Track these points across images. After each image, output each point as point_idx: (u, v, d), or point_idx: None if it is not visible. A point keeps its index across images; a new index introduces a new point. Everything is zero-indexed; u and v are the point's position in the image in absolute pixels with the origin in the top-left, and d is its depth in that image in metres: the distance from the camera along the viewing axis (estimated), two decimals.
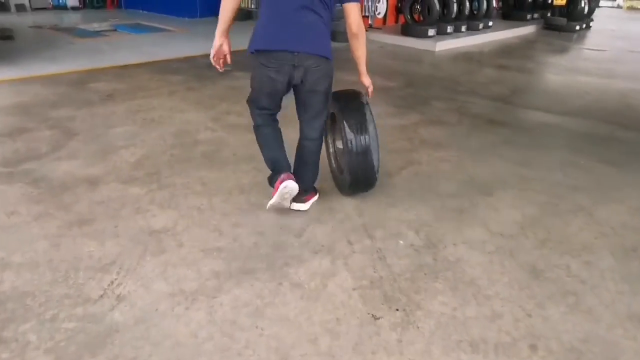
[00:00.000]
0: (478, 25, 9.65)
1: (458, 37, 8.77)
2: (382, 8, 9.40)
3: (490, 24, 10.02)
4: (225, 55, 2.41)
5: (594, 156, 3.75)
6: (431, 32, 8.34)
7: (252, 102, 2.49)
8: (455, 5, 8.63)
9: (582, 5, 11.64)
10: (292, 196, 2.48)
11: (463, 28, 9.21)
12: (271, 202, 2.45)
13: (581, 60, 8.07)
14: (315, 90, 2.36)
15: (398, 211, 2.76)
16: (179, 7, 10.51)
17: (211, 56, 2.43)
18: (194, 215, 2.61)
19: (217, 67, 2.46)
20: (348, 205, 2.80)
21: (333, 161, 3.02)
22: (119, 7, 11.97)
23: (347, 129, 2.54)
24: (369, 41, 8.38)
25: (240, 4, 2.36)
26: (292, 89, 2.40)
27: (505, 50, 8.77)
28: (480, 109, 4.83)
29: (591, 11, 12.11)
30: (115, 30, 9.19)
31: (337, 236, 2.48)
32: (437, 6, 8.23)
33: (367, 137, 2.55)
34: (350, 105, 2.65)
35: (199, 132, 3.83)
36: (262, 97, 2.42)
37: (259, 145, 2.59)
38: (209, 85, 5.18)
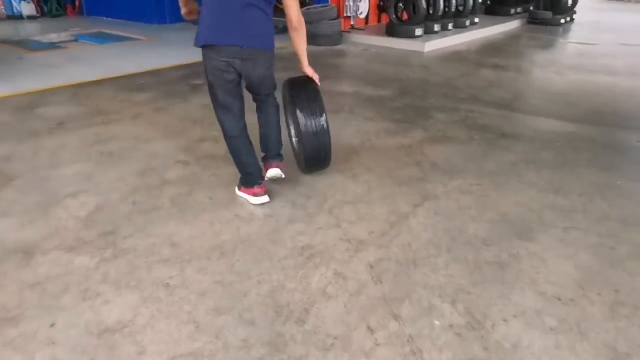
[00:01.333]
0: (464, 23, 9.17)
1: (445, 35, 8.26)
2: (364, 7, 8.83)
3: (477, 20, 9.56)
4: (192, 10, 2.59)
5: (627, 174, 3.24)
6: (418, 31, 7.81)
7: (215, 103, 2.61)
8: (441, 3, 8.12)
9: None
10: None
11: (450, 26, 8.72)
12: (243, 195, 2.77)
13: (575, 56, 7.65)
14: (264, 77, 2.59)
15: (424, 272, 2.17)
16: (146, 12, 9.74)
17: (183, 12, 2.61)
18: (160, 297, 1.98)
19: (192, 18, 2.59)
20: (359, 265, 2.20)
21: (294, 143, 3.18)
22: (80, 14, 11.12)
23: (300, 113, 2.76)
24: (352, 44, 7.85)
25: None
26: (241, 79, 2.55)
27: (496, 48, 8.30)
28: (488, 120, 4.29)
29: (574, 3, 11.78)
30: (75, 40, 8.41)
31: (352, 319, 1.88)
32: (424, 4, 7.70)
33: (319, 119, 2.78)
34: (303, 91, 2.85)
35: (168, 168, 3.18)
36: (220, 91, 2.52)
37: (231, 152, 2.72)
38: (179, 104, 4.51)
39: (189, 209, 2.68)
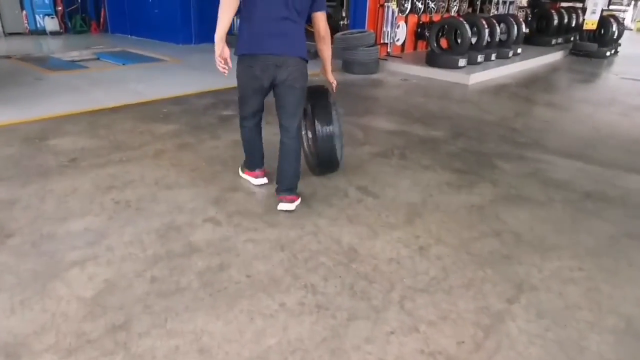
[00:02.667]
0: (508, 53, 8.63)
1: (489, 67, 7.71)
2: (401, 34, 8.36)
3: (519, 51, 9.00)
4: (226, 59, 2.64)
5: None
6: (462, 62, 7.27)
7: (242, 106, 2.86)
8: (486, 32, 7.59)
9: (613, 29, 10.72)
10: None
11: (493, 56, 8.17)
12: (245, 177, 3.17)
13: (637, 94, 7.00)
14: (295, 87, 2.66)
15: None
16: (172, 32, 9.42)
17: (217, 63, 2.65)
18: None
19: (224, 72, 2.66)
20: None
21: (306, 148, 3.41)
22: (105, 31, 10.88)
23: (316, 120, 2.97)
24: (389, 72, 7.33)
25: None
26: (272, 90, 2.72)
27: (544, 82, 7.71)
28: (563, 174, 3.68)
29: (620, 35, 11.17)
30: (97, 59, 8.07)
31: None
32: (469, 33, 7.17)
33: (331, 127, 2.99)
34: (319, 101, 3.04)
35: (195, 228, 2.63)
36: (251, 97, 2.76)
37: (242, 140, 3.04)
38: (207, 141, 3.99)
39: (222, 292, 2.11)
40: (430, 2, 8.86)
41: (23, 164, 3.38)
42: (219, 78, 6.17)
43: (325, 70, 2.98)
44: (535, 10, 12.38)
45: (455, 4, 9.71)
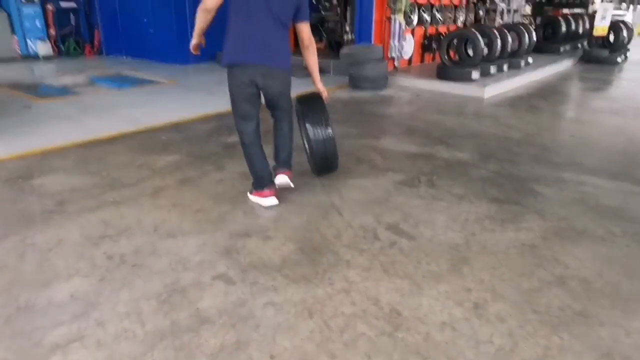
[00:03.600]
0: (520, 63, 8.27)
1: (502, 78, 7.33)
2: (409, 47, 8.00)
3: (530, 60, 8.65)
4: (199, 47, 2.98)
5: None
6: (475, 74, 6.90)
7: (236, 114, 2.94)
8: (499, 42, 7.24)
9: (624, 34, 10.41)
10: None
11: (505, 67, 7.81)
12: (254, 199, 3.06)
13: None
14: (282, 93, 2.92)
15: None
16: (168, 52, 9.07)
17: (191, 47, 2.98)
18: None
19: (197, 53, 3.03)
20: None
21: (307, 149, 3.43)
22: (99, 53, 10.55)
23: (309, 125, 3.13)
24: (399, 88, 6.95)
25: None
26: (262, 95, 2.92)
27: (560, 93, 7.35)
28: (613, 199, 3.26)
29: (629, 41, 10.85)
30: (91, 83, 7.69)
31: None
32: (482, 44, 6.82)
33: (325, 129, 3.13)
34: (311, 106, 3.18)
35: (203, 289, 2.19)
36: (242, 103, 2.87)
37: (246, 158, 3.02)
38: (211, 173, 3.58)
39: None
40: (437, 14, 8.54)
41: (3, 210, 2.97)
42: (219, 101, 5.81)
43: (314, 79, 3.08)
44: (540, 18, 12.09)
45: (461, 14, 9.40)
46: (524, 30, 8.30)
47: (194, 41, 2.93)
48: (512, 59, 8.04)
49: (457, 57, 7.36)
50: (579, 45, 12.25)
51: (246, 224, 2.81)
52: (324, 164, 3.30)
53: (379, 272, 2.34)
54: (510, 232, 2.77)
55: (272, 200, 2.99)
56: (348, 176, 3.50)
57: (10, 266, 2.36)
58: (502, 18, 11.59)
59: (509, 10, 11.89)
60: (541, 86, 7.76)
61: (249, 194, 3.10)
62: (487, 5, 10.88)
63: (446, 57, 7.14)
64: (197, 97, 6.23)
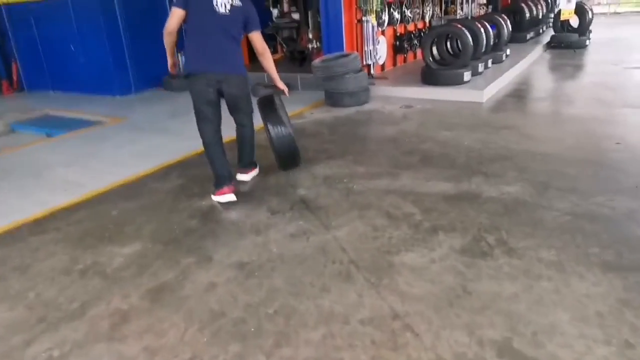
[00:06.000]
0: (501, 57, 7.61)
1: (491, 77, 6.59)
2: (382, 51, 7.12)
3: (508, 52, 8.02)
4: (177, 65, 3.49)
5: None
6: (467, 76, 6.11)
7: (198, 117, 3.26)
8: (484, 36, 6.50)
9: (590, 16, 10.07)
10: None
11: (489, 63, 7.11)
12: (215, 198, 3.27)
13: None
14: (239, 96, 3.28)
15: None
16: (105, 82, 7.72)
17: (169, 67, 3.41)
18: None
19: (174, 72, 3.49)
20: None
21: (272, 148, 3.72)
22: (19, 90, 8.97)
23: (269, 124, 3.51)
24: (383, 99, 6.05)
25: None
26: (222, 98, 3.25)
27: (557, 87, 6.71)
28: None
29: (590, 22, 10.54)
30: (11, 132, 6.27)
31: None
32: (470, 40, 6.04)
33: (283, 127, 3.50)
34: (267, 107, 3.56)
35: None
36: (203, 106, 3.20)
37: (208, 158, 3.32)
38: (194, 270, 2.47)
39: None
40: (406, 11, 7.72)
41: None
42: (178, 141, 4.67)
43: (273, 79, 3.50)
44: (505, 7, 11.66)
45: (429, 9, 8.66)
46: (501, 21, 7.66)
47: (170, 61, 3.36)
48: (495, 53, 7.37)
49: (439, 57, 6.55)
50: (541, 31, 11.94)
51: None
52: (288, 158, 3.68)
53: None
54: None
55: (230, 197, 3.25)
56: (390, 251, 2.51)
57: None
58: (462, 9, 11.04)
59: (467, 1, 11.37)
60: (528, 80, 7.13)
61: (212, 196, 3.31)
62: None
63: (430, 58, 6.30)
64: (149, 139, 5.03)
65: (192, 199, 3.42)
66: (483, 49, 6.58)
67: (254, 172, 3.67)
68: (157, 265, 2.54)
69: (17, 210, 3.39)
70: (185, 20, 3.08)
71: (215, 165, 3.27)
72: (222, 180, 3.25)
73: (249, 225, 2.92)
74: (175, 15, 3.04)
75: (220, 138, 3.30)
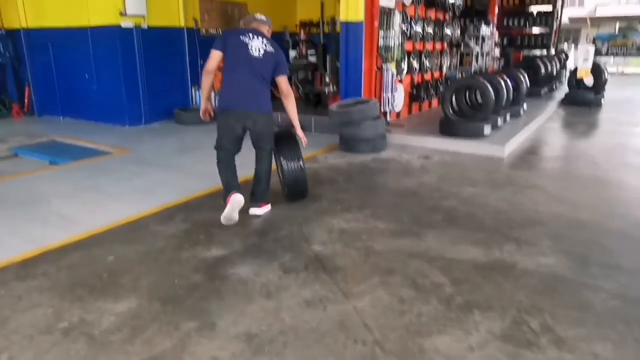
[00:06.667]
0: (519, 111, 7.49)
1: (511, 131, 6.41)
2: (400, 99, 7.00)
3: (525, 107, 7.90)
4: (210, 112, 3.63)
5: None
6: (487, 129, 5.93)
7: (218, 146, 3.54)
8: (505, 91, 6.37)
9: (606, 77, 10.04)
10: (240, 207, 3.42)
11: (507, 116, 6.96)
12: (225, 211, 3.35)
13: None
14: (263, 132, 3.51)
15: None
16: (116, 111, 7.60)
17: (201, 113, 3.64)
18: None
19: (206, 119, 3.66)
20: None
21: (281, 178, 3.97)
22: (30, 114, 8.86)
23: (282, 157, 3.71)
24: (399, 148, 5.84)
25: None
26: (247, 133, 3.52)
27: (581, 146, 6.52)
28: None
29: (606, 82, 10.50)
30: (14, 156, 6.08)
31: None
32: (492, 93, 5.90)
33: (296, 161, 3.69)
34: (284, 141, 3.75)
35: None
36: (225, 140, 3.49)
37: (219, 172, 3.55)
38: (196, 339, 2.15)
39: None
40: (425, 60, 7.66)
41: None
42: (185, 179, 4.52)
43: (294, 125, 3.63)
44: (522, 61, 11.73)
45: (446, 60, 8.63)
46: (520, 76, 7.58)
47: (202, 107, 3.59)
48: (513, 107, 7.24)
49: (457, 109, 6.40)
50: (554, 87, 11.94)
51: None
52: (295, 191, 3.84)
53: None
54: None
55: (237, 198, 3.40)
56: (421, 332, 2.18)
57: None
58: (477, 61, 11.07)
59: (481, 54, 11.43)
60: (546, 136, 6.97)
61: (223, 203, 3.48)
62: (462, 49, 10.30)
63: (450, 110, 6.15)
64: (155, 175, 4.80)
65: (196, 247, 3.13)
66: (503, 103, 6.45)
67: (266, 207, 3.69)
68: (153, 330, 2.22)
69: (5, 247, 3.11)
70: (223, 62, 3.41)
71: (224, 177, 3.53)
72: (231, 188, 3.48)
73: (258, 285, 2.61)
74: (214, 57, 3.38)
75: (232, 159, 3.56)
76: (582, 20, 23.39)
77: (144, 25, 7.35)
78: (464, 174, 4.84)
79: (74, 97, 8.18)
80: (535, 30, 14.66)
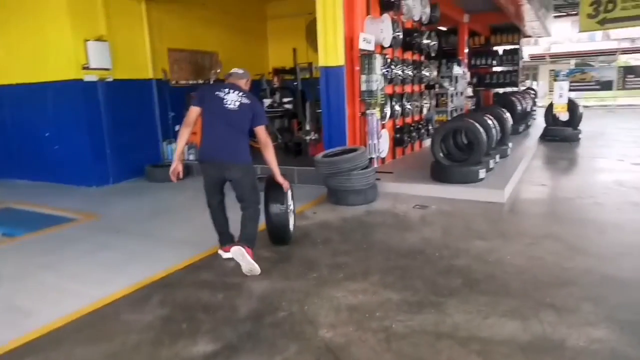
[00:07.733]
0: (506, 151, 7.32)
1: (504, 173, 6.16)
2: (384, 145, 6.73)
3: (511, 145, 7.76)
4: (178, 173, 3.60)
5: None
6: (482, 173, 5.64)
7: (206, 192, 3.71)
8: (494, 131, 6.17)
9: (580, 111, 10.16)
10: (243, 253, 3.38)
11: (497, 158, 6.74)
12: (243, 268, 3.40)
13: None
14: (242, 183, 3.60)
15: None
16: (81, 171, 6.97)
17: (170, 172, 3.57)
18: None
19: (174, 180, 3.59)
20: None
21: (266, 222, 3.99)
22: None
23: (269, 202, 3.81)
24: (391, 197, 5.46)
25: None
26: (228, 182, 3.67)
27: (578, 185, 6.31)
28: None
29: (581, 117, 10.62)
30: None
31: None
32: (484, 135, 5.66)
33: (281, 206, 3.80)
34: (272, 186, 3.85)
35: None
36: (210, 188, 3.69)
37: (211, 218, 3.79)
38: None
39: None
40: (406, 104, 7.47)
41: None
42: (158, 246, 4.12)
43: (274, 174, 3.77)
44: (482, 100, 11.85)
45: (426, 102, 8.50)
46: (503, 115, 7.46)
47: (173, 165, 3.58)
48: (501, 147, 7.06)
49: (446, 152, 6.12)
50: (528, 124, 12.03)
51: None
52: (278, 234, 3.95)
53: None
54: None
55: (228, 254, 3.54)
56: None
57: None
58: (452, 101, 11.08)
59: (456, 93, 11.48)
60: (539, 176, 6.77)
61: (218, 249, 3.82)
62: (437, 89, 10.29)
63: (441, 154, 5.86)
64: (124, 246, 4.21)
65: (179, 341, 2.57)
66: (493, 144, 6.24)
67: (250, 254, 3.46)
68: None
69: None
70: (201, 116, 3.58)
71: (215, 225, 3.78)
72: (222, 239, 3.78)
73: None
74: (192, 112, 3.58)
75: (220, 206, 3.75)
76: (540, 57, 24.41)
77: (109, 79, 6.90)
78: (468, 225, 4.46)
79: (33, 157, 7.50)
80: (502, 68, 15.06)
